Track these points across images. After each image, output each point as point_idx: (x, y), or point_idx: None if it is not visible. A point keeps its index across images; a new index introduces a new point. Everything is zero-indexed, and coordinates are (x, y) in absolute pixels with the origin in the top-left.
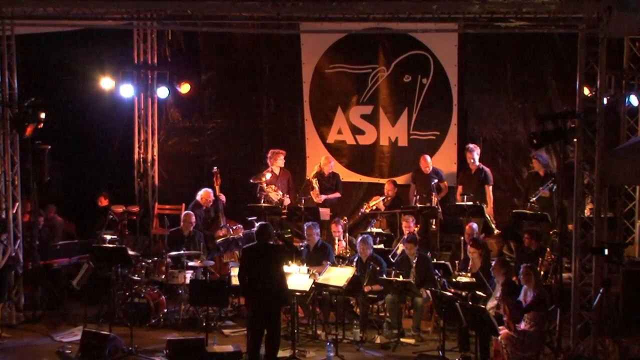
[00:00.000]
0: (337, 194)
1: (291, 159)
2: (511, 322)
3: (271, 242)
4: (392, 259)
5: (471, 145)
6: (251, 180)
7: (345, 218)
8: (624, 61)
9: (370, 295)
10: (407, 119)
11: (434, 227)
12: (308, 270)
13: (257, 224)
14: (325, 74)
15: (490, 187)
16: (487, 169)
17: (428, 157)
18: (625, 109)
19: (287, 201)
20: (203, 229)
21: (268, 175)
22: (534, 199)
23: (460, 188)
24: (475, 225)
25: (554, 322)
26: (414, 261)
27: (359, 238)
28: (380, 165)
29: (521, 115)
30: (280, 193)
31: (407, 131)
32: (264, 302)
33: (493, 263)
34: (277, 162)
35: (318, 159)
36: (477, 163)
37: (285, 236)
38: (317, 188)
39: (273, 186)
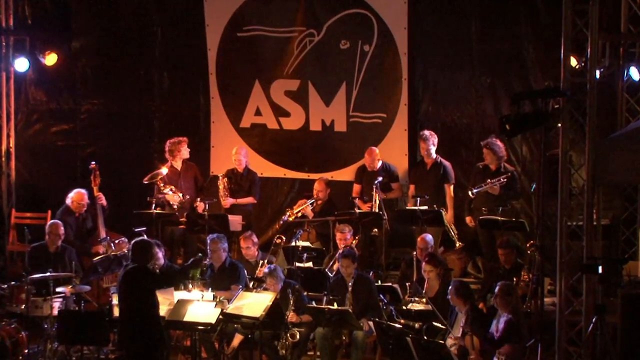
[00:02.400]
0: (251, 199)
1: (192, 151)
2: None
3: (149, 266)
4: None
5: (426, 133)
6: (145, 181)
7: (282, 238)
8: (622, 23)
9: (293, 330)
10: (345, 97)
11: (375, 231)
12: (214, 297)
13: (138, 239)
14: (237, 39)
15: (452, 187)
16: (446, 163)
17: (375, 150)
18: (624, 85)
19: (201, 206)
20: (76, 243)
21: (165, 170)
22: (475, 191)
23: (412, 188)
24: (430, 237)
25: None
26: (351, 283)
27: (265, 269)
28: (310, 157)
29: (490, 93)
30: (180, 195)
31: (346, 113)
32: (123, 345)
33: (449, 288)
34: (181, 153)
35: (226, 150)
36: (434, 155)
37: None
38: (222, 188)
39: (172, 187)
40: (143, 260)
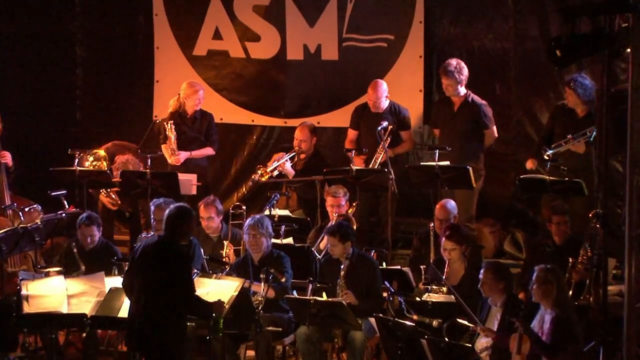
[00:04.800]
0: (209, 150)
1: (127, 87)
2: None
3: (184, 243)
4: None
5: (452, 64)
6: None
7: (242, 208)
8: None
9: (270, 328)
10: (336, 14)
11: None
12: None
13: (173, 205)
14: None
15: (494, 130)
16: (481, 102)
17: (382, 84)
18: None
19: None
20: None
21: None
22: (550, 152)
23: (437, 132)
24: (452, 204)
25: None
26: (344, 267)
27: (247, 221)
28: (287, 97)
29: (535, 7)
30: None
31: (338, 35)
32: (135, 337)
33: (481, 272)
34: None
35: (175, 85)
36: (463, 91)
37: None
38: (172, 138)
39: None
40: (175, 235)
